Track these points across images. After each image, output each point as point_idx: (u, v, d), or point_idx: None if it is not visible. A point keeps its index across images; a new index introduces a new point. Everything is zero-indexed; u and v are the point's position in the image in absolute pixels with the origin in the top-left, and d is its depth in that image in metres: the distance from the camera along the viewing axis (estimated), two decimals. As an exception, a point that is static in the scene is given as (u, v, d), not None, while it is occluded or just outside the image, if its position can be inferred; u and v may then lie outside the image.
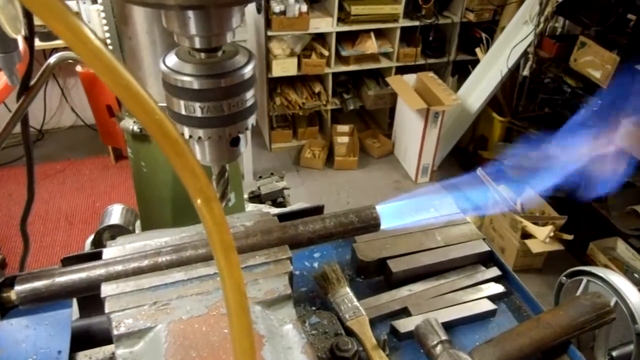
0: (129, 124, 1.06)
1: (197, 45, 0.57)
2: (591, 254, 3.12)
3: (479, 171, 3.00)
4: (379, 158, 4.24)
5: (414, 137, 3.86)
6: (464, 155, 4.10)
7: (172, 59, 0.59)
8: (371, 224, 0.82)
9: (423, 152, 3.83)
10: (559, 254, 3.05)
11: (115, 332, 0.66)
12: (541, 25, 3.28)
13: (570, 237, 2.99)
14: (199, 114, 0.59)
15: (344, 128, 4.26)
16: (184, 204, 1.05)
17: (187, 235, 0.79)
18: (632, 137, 2.69)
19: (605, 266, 3.02)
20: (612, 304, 1.08)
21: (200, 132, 0.61)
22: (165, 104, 0.62)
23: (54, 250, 3.36)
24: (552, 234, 2.96)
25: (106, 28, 1.03)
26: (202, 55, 0.58)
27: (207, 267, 0.72)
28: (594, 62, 2.96)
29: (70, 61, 1.03)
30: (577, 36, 3.11)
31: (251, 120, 0.63)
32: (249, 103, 0.62)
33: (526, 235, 3.07)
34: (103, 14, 0.99)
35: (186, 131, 0.61)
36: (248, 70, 0.60)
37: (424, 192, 1.09)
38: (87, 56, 0.35)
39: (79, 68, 1.44)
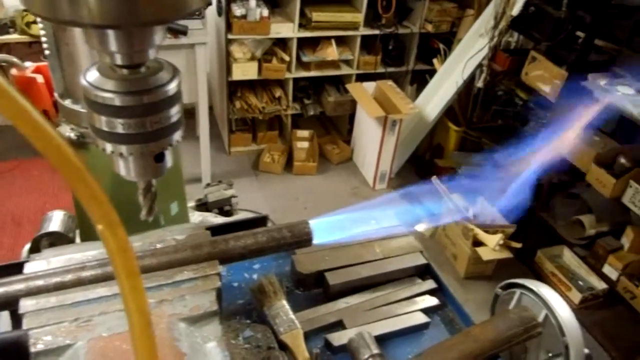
0: (66, 131, 1.03)
1: (118, 61, 0.56)
2: (539, 262, 3.22)
3: (434, 180, 3.06)
4: (338, 164, 4.26)
5: (372, 144, 3.90)
6: (421, 163, 4.17)
7: (93, 74, 0.58)
8: (304, 239, 0.83)
9: (381, 159, 3.87)
10: (509, 261, 3.13)
11: (32, 350, 0.64)
12: (495, 39, 3.37)
13: (518, 245, 3.08)
14: (120, 130, 0.58)
15: (304, 133, 4.26)
16: (123, 213, 1.03)
17: (116, 248, 0.77)
18: (577, 150, 2.80)
19: (552, 274, 3.13)
20: (542, 316, 1.11)
21: (122, 148, 0.60)
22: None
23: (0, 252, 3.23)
24: (501, 242, 3.04)
25: (42, 32, 1.00)
26: (124, 71, 0.57)
27: (132, 283, 0.71)
28: (544, 76, 3.07)
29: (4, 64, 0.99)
30: (528, 51, 3.21)
31: (176, 137, 0.63)
32: (173, 119, 0.61)
33: (477, 243, 3.15)
34: (39, 19, 0.96)
35: (108, 147, 0.60)
36: (172, 87, 0.59)
37: (366, 205, 1.10)
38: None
39: (14, 71, 1.37)
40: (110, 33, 0.52)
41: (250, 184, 3.97)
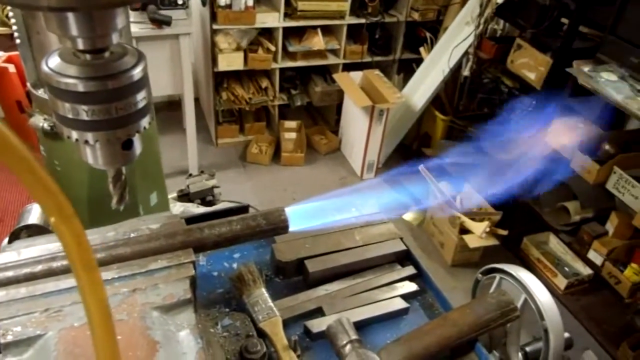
0: (39, 121, 1.02)
1: (80, 46, 0.55)
2: (525, 249, 3.25)
3: (421, 168, 3.06)
4: (325, 154, 4.26)
5: (359, 133, 3.90)
6: (409, 153, 4.17)
7: (54, 60, 0.57)
8: (279, 226, 0.82)
9: (368, 148, 3.87)
10: (495, 248, 3.15)
11: (2, 341, 0.63)
12: (481, 27, 3.37)
13: (505, 232, 3.10)
14: (85, 117, 0.57)
15: (291, 124, 4.25)
16: (101, 203, 1.02)
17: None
18: (562, 137, 2.81)
19: (538, 260, 3.15)
20: (521, 300, 1.12)
21: (88, 136, 0.59)
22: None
23: (-16, 248, 3.20)
24: (488, 229, 3.06)
25: (13, 21, 0.99)
26: (87, 56, 0.56)
27: (104, 272, 0.70)
28: (529, 64, 3.07)
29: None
30: (514, 38, 3.21)
31: (144, 123, 0.62)
32: (140, 105, 0.60)
33: (464, 230, 3.16)
34: (9, 7, 0.95)
35: (74, 134, 0.59)
36: (137, 72, 0.58)
37: (342, 192, 1.10)
38: None
39: (-17, 61, 1.39)
40: (70, 16, 0.51)
41: (238, 176, 3.96)
